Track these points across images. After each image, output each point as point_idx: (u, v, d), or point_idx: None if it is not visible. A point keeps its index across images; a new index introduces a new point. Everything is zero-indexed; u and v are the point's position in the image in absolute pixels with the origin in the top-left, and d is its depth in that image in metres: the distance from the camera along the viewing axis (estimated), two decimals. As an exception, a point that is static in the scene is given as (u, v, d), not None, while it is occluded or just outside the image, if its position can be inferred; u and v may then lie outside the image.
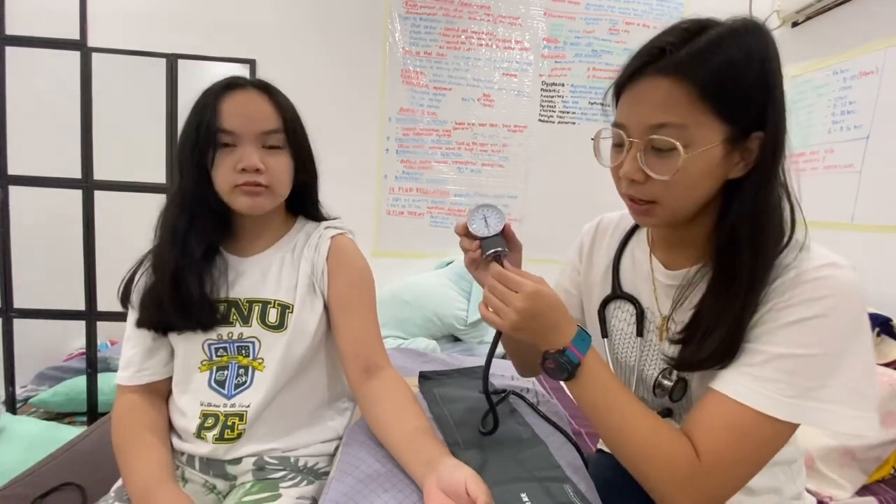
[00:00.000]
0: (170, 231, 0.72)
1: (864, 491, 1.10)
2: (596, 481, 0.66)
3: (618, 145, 0.57)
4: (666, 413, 0.66)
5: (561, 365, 0.57)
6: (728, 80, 0.49)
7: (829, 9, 1.74)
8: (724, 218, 0.56)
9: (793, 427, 0.51)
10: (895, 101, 1.49)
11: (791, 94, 1.86)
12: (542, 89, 2.22)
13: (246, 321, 0.73)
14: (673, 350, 0.60)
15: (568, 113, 2.24)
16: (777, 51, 0.52)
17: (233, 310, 0.73)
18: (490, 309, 0.60)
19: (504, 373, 1.02)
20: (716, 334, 0.54)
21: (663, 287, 0.65)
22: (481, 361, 1.12)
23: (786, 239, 0.54)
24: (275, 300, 0.74)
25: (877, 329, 1.22)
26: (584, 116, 2.24)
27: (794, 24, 1.89)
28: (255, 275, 0.76)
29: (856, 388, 0.50)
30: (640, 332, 0.67)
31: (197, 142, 0.69)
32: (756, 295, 0.53)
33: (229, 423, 0.71)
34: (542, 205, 2.26)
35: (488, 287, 0.61)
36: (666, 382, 0.63)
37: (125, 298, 0.75)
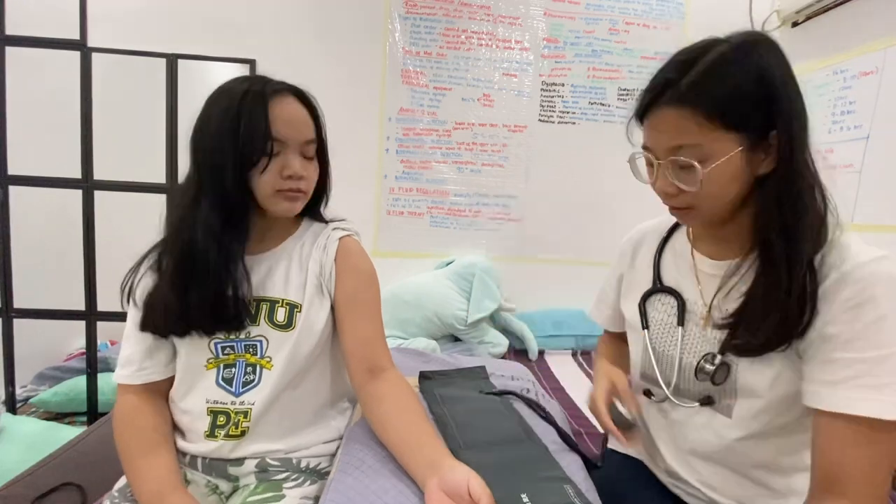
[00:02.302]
0: (203, 232, 0.68)
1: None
2: (601, 480, 0.66)
3: (650, 164, 0.63)
4: (706, 401, 0.67)
5: None
6: (727, 98, 0.54)
7: (829, 9, 1.74)
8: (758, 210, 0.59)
9: None
10: (895, 101, 1.49)
11: (791, 94, 1.86)
12: (542, 89, 2.22)
13: (254, 320, 0.73)
14: (721, 335, 0.63)
15: (568, 113, 2.24)
16: (780, 55, 0.56)
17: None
18: None
19: (504, 373, 1.02)
20: (770, 319, 0.56)
21: (708, 277, 0.68)
22: (481, 361, 1.12)
23: (823, 231, 0.56)
24: (283, 299, 0.74)
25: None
26: (584, 116, 2.24)
27: (794, 24, 1.89)
28: (261, 273, 0.75)
29: None
30: (681, 322, 0.70)
31: (242, 143, 0.66)
32: (795, 280, 0.55)
33: (234, 420, 0.71)
34: (542, 205, 2.26)
35: None
36: (708, 367, 0.65)
37: (129, 296, 0.74)
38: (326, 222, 0.84)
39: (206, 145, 0.69)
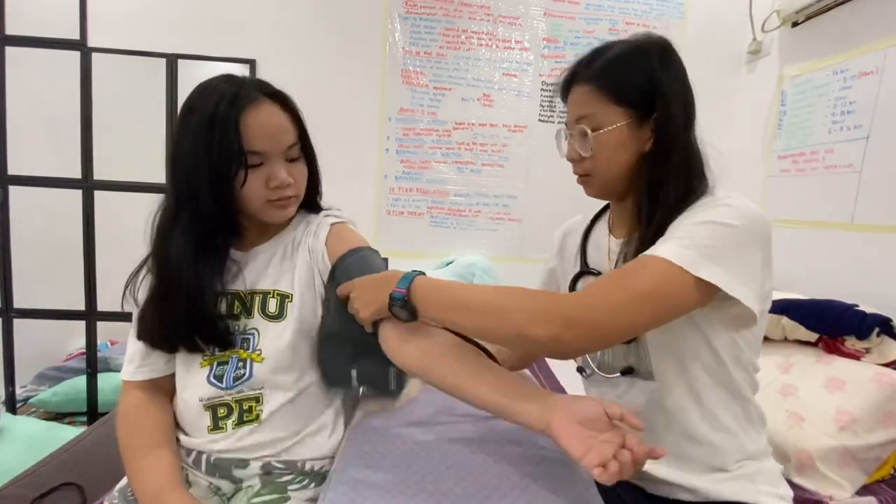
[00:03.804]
0: (176, 259, 0.68)
1: (864, 491, 1.10)
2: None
3: (565, 137, 0.77)
4: (627, 371, 0.73)
5: (396, 303, 0.64)
6: (619, 79, 0.68)
7: (829, 9, 1.74)
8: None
9: (688, 283, 0.56)
10: (895, 101, 1.49)
11: (791, 94, 1.86)
12: (542, 89, 2.22)
13: (249, 313, 0.74)
14: None
15: (568, 113, 2.24)
16: (670, 54, 0.69)
17: (236, 302, 0.74)
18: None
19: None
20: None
21: (615, 255, 0.76)
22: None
23: (688, 198, 0.66)
24: (274, 290, 0.74)
25: (877, 329, 1.21)
26: (584, 116, 2.24)
27: (794, 24, 1.89)
28: (256, 267, 0.76)
29: (747, 267, 0.59)
30: None
31: (217, 161, 0.65)
32: (650, 231, 0.66)
33: (246, 407, 0.71)
34: (542, 205, 2.26)
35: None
36: None
37: (132, 296, 0.74)
38: (321, 211, 0.84)
39: (181, 165, 0.68)
